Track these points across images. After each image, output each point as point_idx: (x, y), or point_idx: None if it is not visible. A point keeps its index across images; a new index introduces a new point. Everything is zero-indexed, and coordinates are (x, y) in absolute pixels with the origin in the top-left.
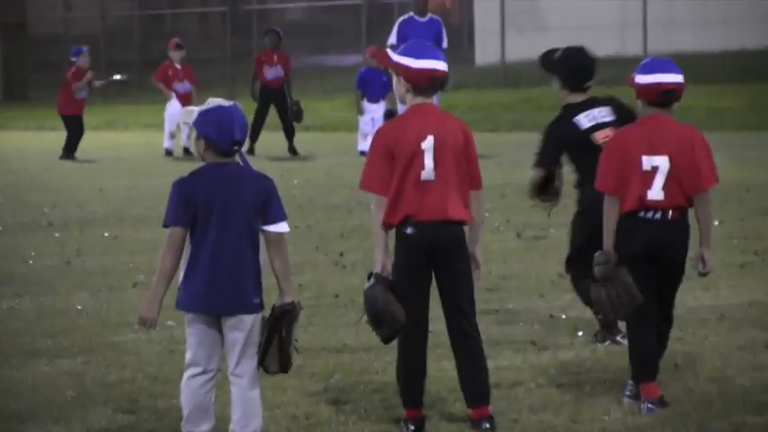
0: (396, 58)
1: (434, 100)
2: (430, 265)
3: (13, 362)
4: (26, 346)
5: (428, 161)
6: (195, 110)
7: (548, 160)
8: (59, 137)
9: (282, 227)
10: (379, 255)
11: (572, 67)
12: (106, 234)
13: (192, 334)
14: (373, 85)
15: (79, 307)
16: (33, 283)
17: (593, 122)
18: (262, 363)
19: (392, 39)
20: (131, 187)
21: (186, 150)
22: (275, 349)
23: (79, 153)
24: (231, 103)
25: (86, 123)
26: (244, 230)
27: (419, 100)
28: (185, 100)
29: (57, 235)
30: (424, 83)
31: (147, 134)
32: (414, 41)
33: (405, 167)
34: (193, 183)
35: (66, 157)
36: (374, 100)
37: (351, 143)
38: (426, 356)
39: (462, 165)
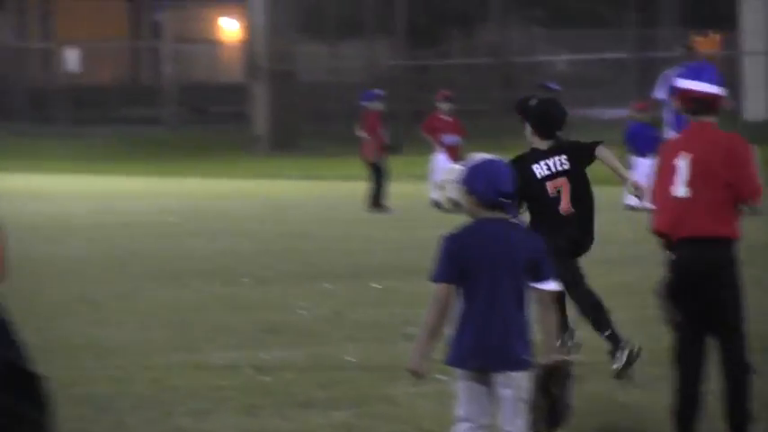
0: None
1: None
2: (691, 285)
3: (286, 413)
4: (299, 396)
5: (681, 178)
6: (458, 168)
7: None
8: (330, 186)
9: (552, 285)
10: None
11: (543, 116)
12: (376, 285)
13: (463, 389)
14: (643, 139)
15: (350, 358)
16: (305, 333)
17: (549, 172)
18: (532, 421)
19: (659, 93)
20: (400, 238)
21: (452, 202)
22: (543, 407)
23: (344, 204)
24: (496, 157)
25: (353, 174)
26: (512, 287)
27: (698, 119)
28: (453, 152)
29: (326, 285)
30: (689, 103)
31: (414, 185)
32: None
33: (665, 186)
34: (463, 239)
35: (373, 206)
36: (644, 155)
37: (618, 197)
38: (701, 382)
39: (727, 180)
